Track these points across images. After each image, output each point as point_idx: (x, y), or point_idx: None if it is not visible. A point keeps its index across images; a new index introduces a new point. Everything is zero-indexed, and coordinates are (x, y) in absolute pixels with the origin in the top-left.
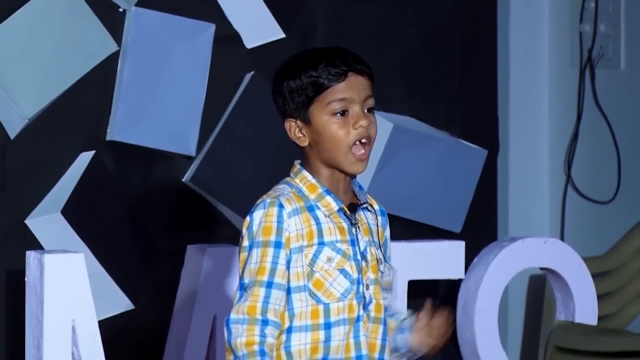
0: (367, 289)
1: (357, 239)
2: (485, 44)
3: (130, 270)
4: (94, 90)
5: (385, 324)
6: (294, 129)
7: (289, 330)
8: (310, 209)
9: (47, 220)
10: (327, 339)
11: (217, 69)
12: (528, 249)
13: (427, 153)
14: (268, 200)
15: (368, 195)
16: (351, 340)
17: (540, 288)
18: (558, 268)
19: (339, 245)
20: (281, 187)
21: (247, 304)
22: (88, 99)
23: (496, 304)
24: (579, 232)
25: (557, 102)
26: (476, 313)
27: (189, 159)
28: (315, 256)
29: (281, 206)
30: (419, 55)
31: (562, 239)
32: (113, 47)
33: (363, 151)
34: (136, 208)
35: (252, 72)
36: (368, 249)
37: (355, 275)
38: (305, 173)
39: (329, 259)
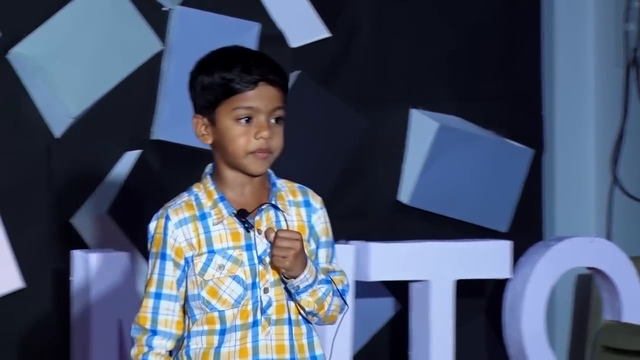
0: (266, 292)
1: (255, 242)
2: (530, 43)
3: None
4: (139, 89)
5: (291, 323)
6: (200, 126)
7: (189, 335)
8: (202, 217)
9: (92, 220)
10: (220, 344)
11: None
12: (574, 249)
13: (473, 152)
14: (160, 211)
15: (291, 187)
16: (248, 345)
17: (586, 287)
18: (605, 267)
19: (230, 252)
20: (181, 195)
21: (139, 314)
22: (133, 98)
23: (543, 303)
24: (626, 232)
25: (603, 101)
26: (523, 313)
27: None
28: (206, 265)
29: (167, 218)
30: (464, 54)
31: (608, 238)
32: (157, 46)
33: (263, 153)
34: None
35: (297, 72)
36: (269, 250)
37: (249, 280)
38: (207, 179)
39: (220, 267)
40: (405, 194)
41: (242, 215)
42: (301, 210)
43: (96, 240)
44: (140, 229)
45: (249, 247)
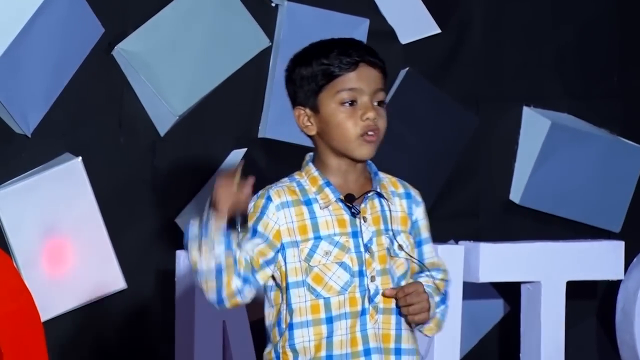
0: (373, 280)
1: (361, 230)
2: None
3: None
4: (246, 86)
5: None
6: (303, 118)
7: (290, 326)
8: (307, 202)
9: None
10: (330, 334)
11: None
12: None
13: (586, 151)
14: (260, 192)
15: (391, 179)
16: (357, 334)
17: None
18: None
19: (337, 238)
20: (282, 180)
21: None
22: (239, 96)
23: None
24: None
25: None
26: (636, 315)
27: None
28: (312, 250)
29: (269, 199)
30: (577, 51)
31: None
32: (265, 42)
33: (371, 135)
34: None
35: (407, 68)
36: (375, 239)
37: (356, 267)
38: (310, 166)
39: (327, 253)
40: (516, 193)
41: (349, 201)
42: (403, 202)
43: None
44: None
45: (355, 234)
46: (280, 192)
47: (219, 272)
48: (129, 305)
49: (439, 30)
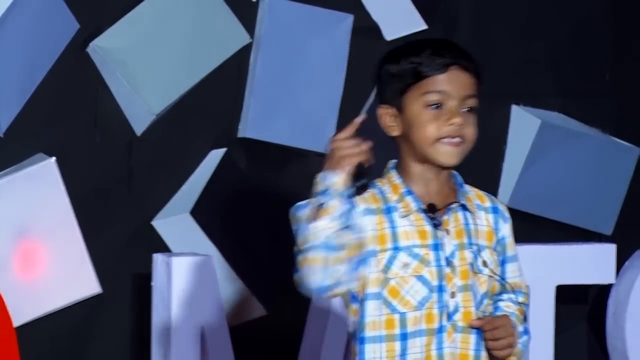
0: (453, 296)
1: (443, 242)
2: (639, 35)
3: (263, 274)
4: (225, 84)
5: (479, 332)
6: (386, 117)
7: (362, 340)
8: (388, 211)
9: (175, 221)
10: (404, 352)
11: (355, 62)
12: None
13: (577, 151)
14: None
15: (477, 192)
16: (433, 353)
17: None
18: None
19: (416, 250)
20: None
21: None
22: (219, 94)
23: None
24: None
25: None
26: (627, 320)
27: (324, 157)
28: (390, 262)
29: (353, 206)
30: (568, 47)
31: None
32: (245, 39)
33: (455, 140)
34: (269, 208)
35: None
36: (457, 253)
37: (435, 282)
38: (393, 173)
39: (405, 265)
40: (504, 194)
41: (432, 211)
42: (489, 217)
43: (178, 243)
44: (224, 230)
45: (436, 247)
46: (364, 198)
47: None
48: (103, 310)
49: (425, 26)
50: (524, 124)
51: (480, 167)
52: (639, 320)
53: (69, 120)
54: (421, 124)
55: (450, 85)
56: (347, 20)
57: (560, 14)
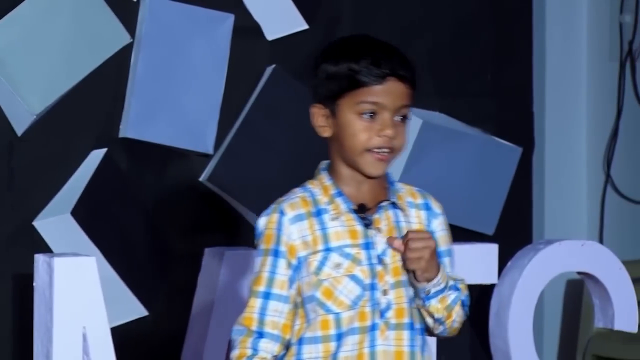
0: (385, 294)
1: (374, 241)
2: (520, 36)
3: (144, 275)
4: (106, 84)
5: (412, 328)
6: (319, 117)
7: (300, 341)
8: (318, 213)
9: (56, 222)
10: (336, 351)
11: (236, 62)
12: (565, 252)
13: (458, 151)
14: (272, 206)
15: (409, 189)
16: (365, 350)
17: (577, 293)
18: (596, 272)
19: (347, 250)
20: (295, 191)
21: (244, 315)
22: (99, 94)
23: (531, 310)
24: (619, 235)
25: (596, 97)
26: (510, 320)
27: (207, 157)
28: (322, 263)
29: (282, 213)
30: (450, 47)
31: (601, 241)
32: (126, 38)
33: (384, 152)
34: (150, 209)
35: (273, 65)
36: (388, 251)
37: (367, 280)
38: (324, 174)
39: (337, 265)
40: None
41: (362, 211)
42: (421, 213)
43: (60, 243)
44: (106, 231)
45: (367, 246)
46: (293, 204)
47: None
48: None
49: (306, 26)
50: None
51: None
52: (521, 320)
53: None
54: (353, 132)
55: (385, 96)
56: (228, 20)
57: (441, 14)
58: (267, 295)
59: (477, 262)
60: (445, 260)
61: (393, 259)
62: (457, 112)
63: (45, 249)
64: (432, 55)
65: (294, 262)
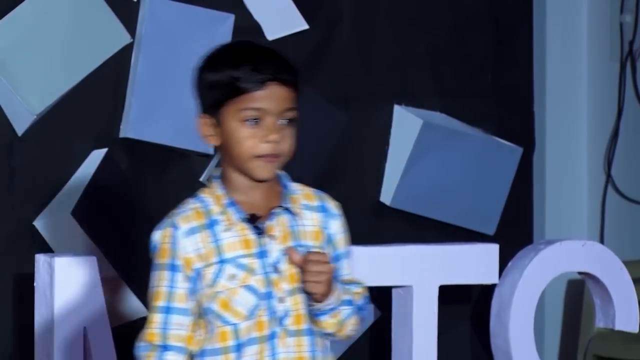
0: (282, 302)
1: (268, 249)
2: (520, 36)
3: (145, 275)
4: (106, 84)
5: (312, 333)
6: (205, 127)
7: (202, 353)
8: (210, 225)
9: (56, 222)
10: None
11: None
12: (565, 253)
13: (459, 151)
14: (166, 220)
15: (305, 190)
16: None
17: (578, 293)
18: (597, 272)
19: (241, 260)
20: (188, 201)
21: (146, 331)
22: (100, 94)
23: (532, 310)
24: (620, 235)
25: (597, 97)
26: (511, 320)
27: (207, 157)
28: (217, 275)
29: (175, 227)
30: (451, 47)
31: (601, 241)
32: (126, 38)
33: (271, 158)
34: (151, 209)
35: None
36: (283, 258)
37: (263, 289)
38: (216, 183)
39: (232, 277)
40: (387, 195)
41: (253, 221)
42: (317, 215)
43: (61, 243)
44: (106, 231)
45: (261, 255)
46: (186, 218)
47: None
48: None
49: (306, 26)
50: (406, 124)
51: (363, 167)
52: (522, 320)
53: None
54: (238, 140)
55: (268, 101)
56: (228, 20)
57: (441, 14)
58: (168, 310)
59: (477, 262)
60: (345, 262)
61: (289, 266)
62: (458, 112)
63: (46, 249)
64: (432, 55)
65: (192, 274)
